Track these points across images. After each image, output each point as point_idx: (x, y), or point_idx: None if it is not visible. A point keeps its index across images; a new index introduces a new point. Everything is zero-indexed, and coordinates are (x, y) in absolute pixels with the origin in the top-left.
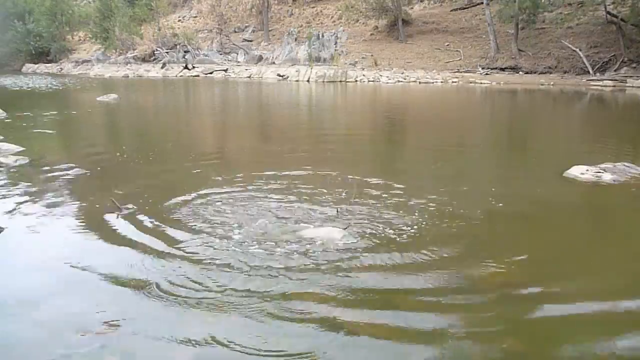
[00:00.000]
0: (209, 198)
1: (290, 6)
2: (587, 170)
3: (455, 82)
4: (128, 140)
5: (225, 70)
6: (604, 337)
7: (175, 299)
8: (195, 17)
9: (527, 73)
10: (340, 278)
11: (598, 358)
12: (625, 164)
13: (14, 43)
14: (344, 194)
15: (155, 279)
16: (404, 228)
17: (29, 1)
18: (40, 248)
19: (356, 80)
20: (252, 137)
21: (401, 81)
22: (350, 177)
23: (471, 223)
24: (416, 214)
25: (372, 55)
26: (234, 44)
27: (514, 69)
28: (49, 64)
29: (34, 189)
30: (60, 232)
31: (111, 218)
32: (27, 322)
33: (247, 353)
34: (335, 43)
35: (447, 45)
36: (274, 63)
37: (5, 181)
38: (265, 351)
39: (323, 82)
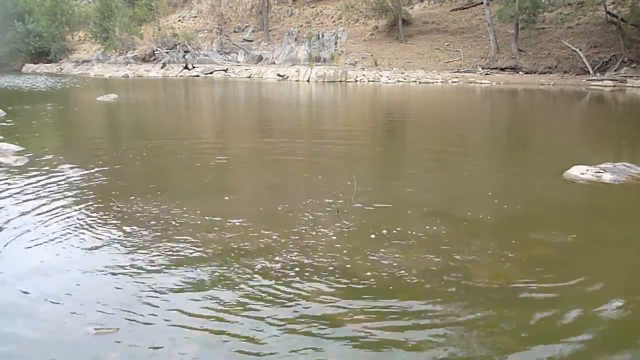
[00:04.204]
0: (208, 198)
1: (290, 6)
2: (587, 170)
3: (455, 82)
4: (128, 140)
5: (225, 70)
6: (604, 337)
7: (175, 298)
8: (195, 17)
9: (527, 73)
10: (340, 278)
11: (598, 358)
12: (625, 164)
13: (14, 43)
14: (344, 195)
15: (156, 279)
16: (404, 228)
17: (29, 1)
18: (39, 248)
19: (356, 80)
20: (251, 136)
21: (401, 81)
22: (350, 178)
23: (470, 222)
24: (416, 213)
25: (372, 55)
26: (234, 44)
27: (514, 69)
28: (49, 64)
29: (33, 189)
30: (59, 232)
31: (111, 218)
32: (27, 323)
33: (247, 353)
34: (335, 43)
35: (447, 45)
36: (274, 63)
37: (5, 181)
38: (266, 351)
39: (323, 82)
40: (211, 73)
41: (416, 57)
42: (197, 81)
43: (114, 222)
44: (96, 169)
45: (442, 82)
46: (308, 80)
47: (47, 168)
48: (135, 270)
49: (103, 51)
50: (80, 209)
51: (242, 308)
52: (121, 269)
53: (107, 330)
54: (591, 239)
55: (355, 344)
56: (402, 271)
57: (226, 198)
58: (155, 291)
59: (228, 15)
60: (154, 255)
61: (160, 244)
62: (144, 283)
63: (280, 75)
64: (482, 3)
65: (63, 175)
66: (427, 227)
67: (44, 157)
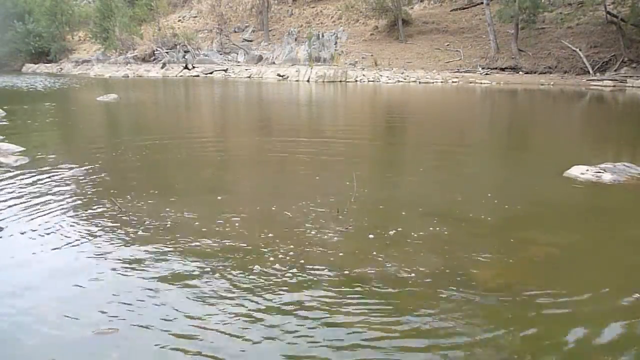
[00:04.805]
0: (207, 197)
1: (290, 6)
2: (587, 170)
3: (455, 82)
4: (127, 139)
5: (225, 70)
6: (603, 337)
7: (175, 298)
8: (195, 17)
9: (527, 73)
10: (340, 277)
11: (598, 358)
12: (625, 164)
13: (14, 43)
14: (344, 194)
15: (156, 279)
16: (404, 228)
17: (29, 1)
18: (39, 248)
19: (356, 80)
20: (251, 136)
21: (401, 81)
22: (349, 178)
23: (471, 222)
24: (416, 213)
25: (372, 55)
26: (234, 44)
27: (514, 69)
28: (49, 64)
29: (34, 189)
30: (60, 232)
31: (111, 218)
32: (27, 323)
33: (246, 353)
34: (335, 43)
35: (447, 45)
36: (274, 63)
37: (5, 181)
38: (265, 351)
39: (323, 82)
40: (211, 73)
41: (416, 57)
42: (197, 81)
43: (114, 222)
44: (96, 169)
45: (442, 82)
46: (308, 80)
47: (47, 168)
48: (135, 270)
49: (103, 51)
50: (80, 208)
51: (241, 308)
52: (121, 269)
53: (107, 330)
54: (591, 239)
55: (354, 345)
56: (402, 272)
57: (225, 197)
58: (155, 291)
59: (228, 15)
60: (154, 255)
61: (160, 244)
62: (144, 283)
63: (280, 75)
64: (482, 3)
65: (63, 175)
66: (428, 228)
67: (44, 157)
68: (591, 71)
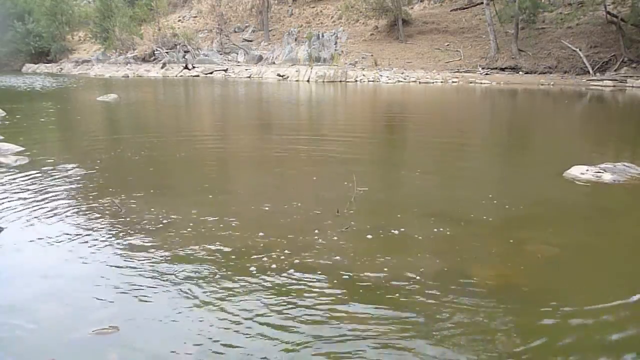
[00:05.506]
0: (206, 197)
1: (290, 6)
2: (587, 170)
3: (455, 82)
4: (127, 139)
5: (225, 70)
6: (603, 336)
7: (175, 299)
8: (195, 17)
9: (527, 73)
10: (340, 275)
11: (599, 357)
12: (625, 164)
13: (14, 43)
14: (343, 195)
15: (155, 279)
16: (404, 228)
17: (29, 1)
18: (40, 248)
19: (356, 80)
20: (250, 136)
21: (401, 81)
22: (349, 178)
23: (471, 222)
24: (416, 213)
25: (372, 55)
26: (234, 44)
27: (514, 69)
28: (49, 64)
29: (34, 189)
30: (60, 232)
31: (110, 218)
32: (27, 322)
33: (245, 353)
34: (335, 43)
35: (447, 45)
36: (274, 63)
37: (6, 181)
38: (263, 351)
39: (323, 82)
40: (211, 73)
41: (416, 57)
42: (197, 81)
43: (114, 222)
44: (96, 169)
45: (442, 82)
46: (308, 81)
47: (47, 168)
48: (134, 269)
49: (103, 51)
50: (79, 208)
51: (239, 308)
52: (120, 268)
53: (107, 330)
54: (591, 239)
55: (353, 345)
56: (402, 272)
57: (225, 196)
58: (155, 291)
59: (228, 15)
60: (153, 255)
61: (160, 244)
62: (143, 282)
63: (280, 75)
64: (482, 3)
65: (63, 174)
66: (428, 228)
67: (44, 157)
68: (591, 71)
